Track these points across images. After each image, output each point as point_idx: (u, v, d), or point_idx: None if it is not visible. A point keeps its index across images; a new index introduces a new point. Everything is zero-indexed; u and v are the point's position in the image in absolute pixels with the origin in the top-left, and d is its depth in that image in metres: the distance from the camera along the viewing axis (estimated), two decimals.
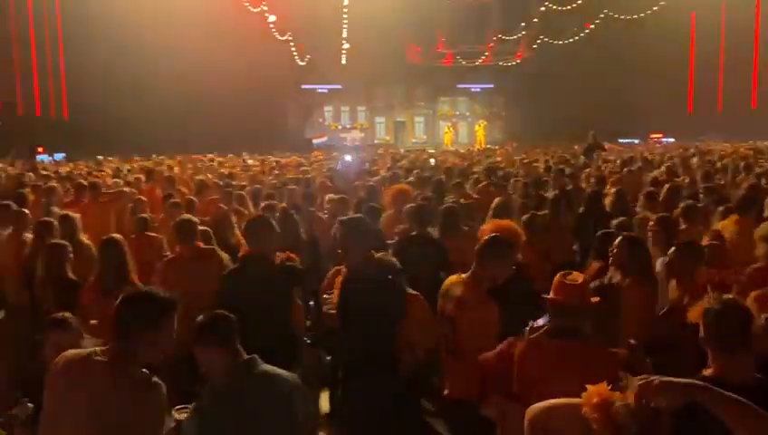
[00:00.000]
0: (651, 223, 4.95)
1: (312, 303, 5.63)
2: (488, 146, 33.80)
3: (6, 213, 6.53)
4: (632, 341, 3.38)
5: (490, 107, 44.59)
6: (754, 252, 4.33)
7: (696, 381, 2.00)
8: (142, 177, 10.78)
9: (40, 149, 25.75)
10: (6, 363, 3.90)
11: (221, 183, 9.64)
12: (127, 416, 2.35)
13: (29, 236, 5.90)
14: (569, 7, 34.64)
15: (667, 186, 7.34)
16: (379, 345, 3.77)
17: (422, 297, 3.97)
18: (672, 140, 30.87)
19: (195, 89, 32.54)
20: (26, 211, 6.34)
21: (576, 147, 20.75)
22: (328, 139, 40.05)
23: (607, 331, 3.48)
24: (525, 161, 14.32)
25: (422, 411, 4.47)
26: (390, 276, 3.90)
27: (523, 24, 39.25)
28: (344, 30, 37.35)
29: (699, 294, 3.01)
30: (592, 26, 36.28)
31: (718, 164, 12.05)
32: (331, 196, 7.71)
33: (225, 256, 4.92)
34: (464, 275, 3.78)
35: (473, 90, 44.49)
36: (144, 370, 2.46)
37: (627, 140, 29.97)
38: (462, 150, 26.88)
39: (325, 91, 43.11)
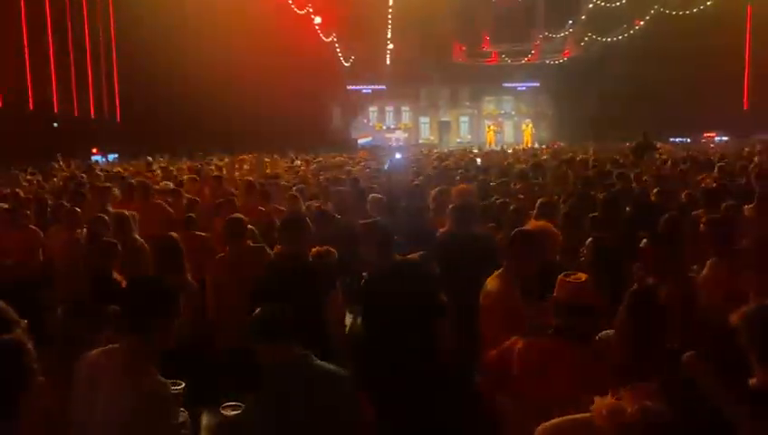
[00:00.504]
0: (702, 223, 4.81)
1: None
2: (535, 145, 33.37)
3: (61, 212, 6.81)
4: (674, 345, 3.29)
5: (536, 106, 44.00)
6: None
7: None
8: (196, 176, 11.08)
9: (94, 150, 26.65)
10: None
11: (266, 183, 9.79)
12: (141, 414, 2.34)
13: (82, 234, 6.12)
14: (617, 4, 33.90)
15: (712, 186, 7.13)
16: (410, 347, 3.74)
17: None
18: (726, 138, 29.87)
19: (241, 90, 33.08)
20: (79, 210, 6.55)
21: (627, 144, 20.30)
22: (373, 139, 40.22)
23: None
24: (578, 159, 14.06)
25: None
26: (420, 277, 3.90)
27: (570, 21, 38.59)
28: (389, 30, 37.45)
29: (743, 299, 2.93)
30: (642, 22, 35.41)
31: None
32: (374, 195, 7.74)
33: (272, 254, 5.00)
34: (500, 271, 3.82)
35: (518, 88, 44.00)
36: (160, 377, 2.43)
37: (678, 139, 29.15)
38: (509, 150, 26.58)
39: (369, 91, 43.29)
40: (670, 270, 3.81)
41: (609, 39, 36.50)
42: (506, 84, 43.52)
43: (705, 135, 31.84)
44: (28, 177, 13.92)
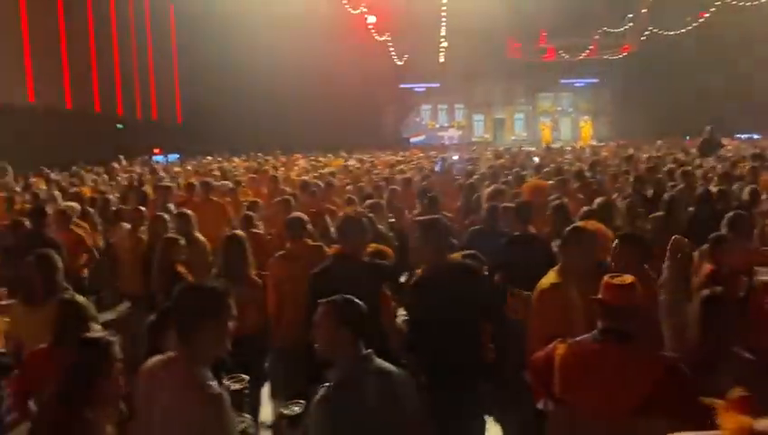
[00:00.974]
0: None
1: None
2: (593, 142, 32.62)
3: (126, 211, 7.08)
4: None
5: (595, 102, 43.00)
6: None
7: None
8: (255, 175, 11.34)
9: (156, 151, 27.54)
10: (127, 354, 4.17)
11: (321, 183, 9.90)
12: (195, 428, 2.33)
13: (146, 231, 6.35)
14: None
15: None
16: (461, 348, 3.72)
17: None
18: None
19: (297, 90, 33.59)
20: (143, 209, 6.79)
21: (688, 141, 19.63)
22: (425, 137, 40.14)
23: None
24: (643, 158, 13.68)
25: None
26: (472, 277, 3.87)
27: (630, 15, 37.56)
28: (443, 28, 37.26)
29: None
30: (707, 15, 34.10)
31: None
32: (430, 195, 7.72)
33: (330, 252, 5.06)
34: (556, 268, 3.80)
35: (576, 85, 43.10)
36: (212, 382, 2.42)
37: (746, 135, 27.96)
38: (567, 147, 26.07)
39: (423, 89, 43.18)
40: (734, 269, 3.70)
41: (671, 32, 35.31)
42: (563, 81, 42.69)
43: None
44: (94, 176, 14.48)
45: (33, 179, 13.48)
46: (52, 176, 14.19)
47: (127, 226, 6.79)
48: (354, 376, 2.68)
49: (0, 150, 16.38)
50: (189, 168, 17.68)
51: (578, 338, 2.89)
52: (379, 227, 6.00)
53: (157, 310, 3.27)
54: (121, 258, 6.57)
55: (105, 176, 14.91)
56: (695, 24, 34.69)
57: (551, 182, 8.45)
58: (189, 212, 6.35)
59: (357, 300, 2.81)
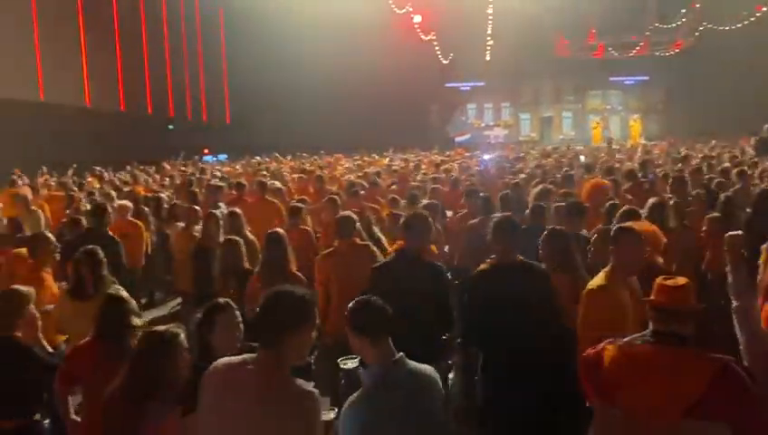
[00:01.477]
0: None
1: None
2: (644, 141, 31.82)
3: (180, 210, 7.28)
4: None
5: (645, 100, 41.96)
6: None
7: None
8: (303, 175, 11.52)
9: (205, 151, 28.17)
10: None
11: (366, 183, 9.97)
12: (286, 428, 2.32)
13: (198, 229, 6.50)
14: None
15: None
16: (527, 346, 3.69)
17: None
18: None
19: (341, 89, 33.81)
20: (198, 208, 6.97)
21: (744, 139, 18.99)
22: (470, 136, 39.86)
23: None
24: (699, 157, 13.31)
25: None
26: (538, 278, 3.84)
27: (683, 10, 36.51)
28: (489, 26, 36.94)
29: None
30: (764, 9, 32.85)
31: None
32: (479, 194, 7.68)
33: (377, 251, 5.11)
34: (607, 267, 3.73)
35: (626, 82, 42.13)
36: (298, 379, 2.41)
37: None
38: (616, 146, 25.52)
39: (468, 88, 42.91)
40: None
41: (727, 28, 34.15)
42: (613, 78, 41.78)
43: None
44: (146, 176, 14.89)
45: (88, 179, 13.96)
46: (106, 175, 14.68)
47: (180, 224, 6.97)
48: (384, 380, 2.64)
49: (57, 150, 17.02)
50: (238, 167, 18.01)
51: (628, 339, 2.84)
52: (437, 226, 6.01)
53: (205, 307, 3.31)
54: (174, 256, 6.74)
55: (157, 175, 15.31)
56: (751, 19, 33.47)
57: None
58: (239, 211, 6.49)
59: (381, 304, 2.77)
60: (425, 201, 7.25)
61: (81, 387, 3.53)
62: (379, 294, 3.87)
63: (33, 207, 8.66)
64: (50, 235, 5.34)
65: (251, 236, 6.18)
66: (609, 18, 37.59)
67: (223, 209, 7.06)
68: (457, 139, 38.75)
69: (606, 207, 5.65)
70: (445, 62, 39.73)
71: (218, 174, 14.78)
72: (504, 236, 3.97)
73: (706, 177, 8.89)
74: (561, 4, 35.41)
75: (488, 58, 39.86)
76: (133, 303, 3.60)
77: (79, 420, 3.52)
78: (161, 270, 8.74)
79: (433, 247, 4.89)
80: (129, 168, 17.32)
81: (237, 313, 3.27)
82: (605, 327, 3.34)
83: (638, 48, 39.82)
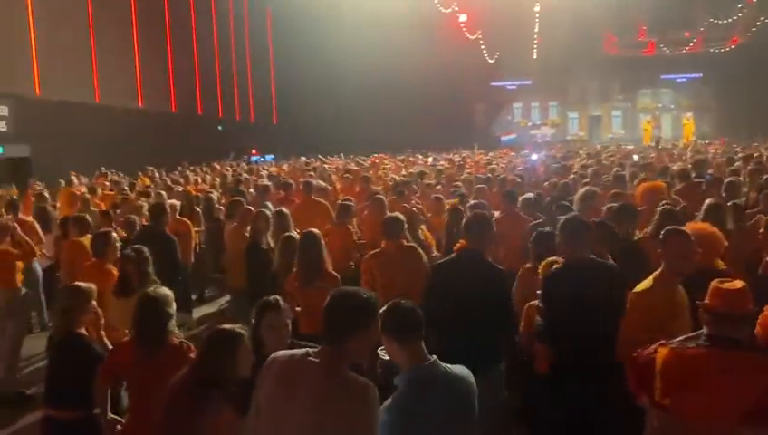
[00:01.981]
0: None
1: None
2: (696, 141, 30.91)
3: (233, 209, 7.43)
4: None
5: (698, 98, 40.71)
6: None
7: None
8: (350, 175, 11.62)
9: (253, 151, 28.64)
10: None
11: (414, 183, 9.98)
12: (345, 422, 2.33)
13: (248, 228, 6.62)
14: None
15: None
16: (596, 346, 3.62)
17: None
18: None
19: (387, 90, 33.90)
20: (250, 208, 7.09)
21: None
22: (516, 136, 39.44)
23: None
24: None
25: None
26: (609, 277, 3.78)
27: (739, 5, 35.30)
28: (536, 24, 36.49)
29: None
30: None
31: None
32: (527, 195, 7.60)
33: (423, 253, 5.11)
34: (656, 272, 3.64)
35: (678, 80, 40.97)
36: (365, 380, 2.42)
37: None
38: (668, 145, 24.87)
39: (514, 87, 42.46)
40: None
41: None
42: (664, 76, 40.70)
43: None
44: (196, 176, 15.23)
45: (140, 178, 14.37)
46: (157, 175, 15.08)
47: (232, 223, 7.11)
48: (417, 384, 2.60)
49: (112, 151, 17.56)
50: (285, 167, 18.26)
51: (681, 341, 2.78)
52: None
53: (257, 304, 3.37)
54: (225, 254, 6.89)
55: (208, 175, 15.63)
56: None
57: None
58: (286, 211, 6.58)
59: (412, 306, 2.73)
60: (472, 201, 7.21)
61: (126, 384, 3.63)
62: (436, 293, 3.85)
63: (91, 207, 8.96)
64: (114, 233, 5.51)
65: (297, 236, 6.26)
66: (659, 15, 36.64)
67: (270, 209, 7.17)
68: (503, 138, 38.38)
69: (662, 211, 5.45)
70: (491, 61, 39.41)
71: (265, 173, 15.02)
72: (575, 236, 3.93)
73: (765, 177, 8.57)
74: (610, 1, 34.68)
75: (535, 56, 39.36)
76: (172, 301, 3.60)
77: (114, 417, 3.62)
78: (211, 268, 8.94)
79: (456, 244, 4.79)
80: (180, 168, 17.76)
81: (287, 310, 3.32)
82: (642, 330, 3.30)
83: (691, 45, 38.70)
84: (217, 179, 14.26)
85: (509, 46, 37.83)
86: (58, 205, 10.75)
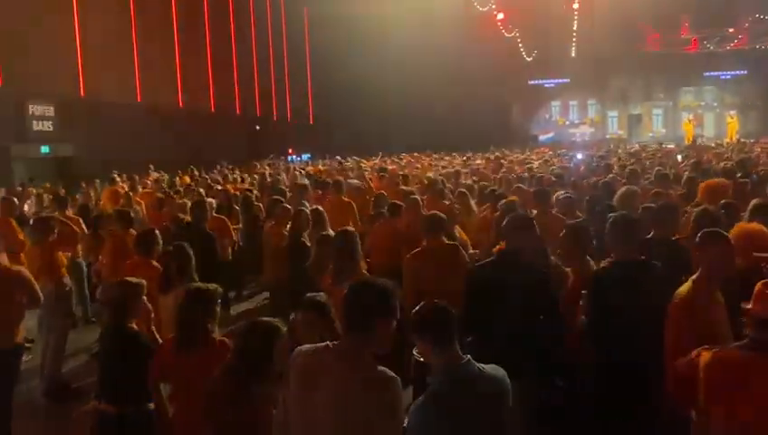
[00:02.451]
0: None
1: None
2: (741, 139, 30.08)
3: (272, 207, 7.52)
4: None
5: (742, 96, 39.56)
6: None
7: None
8: (385, 174, 11.67)
9: (290, 150, 28.93)
10: None
11: (448, 182, 9.94)
12: (370, 413, 2.32)
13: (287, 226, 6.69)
14: None
15: None
16: (642, 346, 3.56)
17: None
18: None
19: (423, 89, 33.85)
20: (288, 206, 7.17)
21: None
22: (555, 135, 38.97)
23: None
24: None
25: None
26: (657, 279, 3.70)
27: None
28: (575, 21, 35.99)
29: None
30: None
31: None
32: (561, 193, 7.51)
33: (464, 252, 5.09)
34: (694, 277, 3.50)
35: (722, 77, 39.88)
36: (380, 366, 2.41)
37: None
38: (711, 144, 24.27)
39: (552, 85, 41.93)
40: None
41: None
42: (708, 73, 39.67)
43: None
44: (234, 175, 15.43)
45: (182, 177, 14.62)
46: (197, 174, 15.33)
47: (271, 221, 7.20)
48: (450, 384, 2.58)
49: (153, 150, 17.92)
50: (321, 167, 18.38)
51: (724, 346, 2.73)
52: None
53: (302, 301, 3.40)
54: (265, 251, 6.97)
55: (246, 174, 15.81)
56: None
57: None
58: (322, 209, 6.62)
59: (444, 306, 2.71)
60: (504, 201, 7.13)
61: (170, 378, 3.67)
62: (476, 295, 3.81)
63: (135, 206, 9.17)
64: (157, 232, 5.62)
65: (331, 235, 6.30)
66: (702, 10, 35.74)
67: (308, 207, 7.23)
68: (541, 137, 37.98)
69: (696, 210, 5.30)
70: (528, 59, 39.02)
71: (300, 173, 15.15)
72: (624, 235, 3.86)
73: None
74: None
75: (574, 54, 38.81)
76: (218, 298, 3.63)
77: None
78: (249, 265, 9.05)
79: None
80: (219, 166, 18.03)
81: (331, 308, 3.35)
82: (689, 338, 3.17)
83: (735, 41, 37.65)
84: (256, 177, 14.42)
85: (547, 44, 37.40)
86: (101, 203, 11.03)
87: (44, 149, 16.10)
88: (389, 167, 15.23)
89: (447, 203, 7.73)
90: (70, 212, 8.38)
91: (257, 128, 28.54)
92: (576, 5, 34.61)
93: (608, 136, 39.24)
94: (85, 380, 5.97)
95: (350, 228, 5.19)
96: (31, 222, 7.32)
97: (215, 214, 8.38)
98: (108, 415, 3.73)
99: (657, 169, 9.89)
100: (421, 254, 5.05)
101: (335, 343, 2.50)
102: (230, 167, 17.83)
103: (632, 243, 3.86)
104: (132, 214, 7.35)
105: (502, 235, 4.48)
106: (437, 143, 27.18)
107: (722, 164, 10.83)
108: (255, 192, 10.74)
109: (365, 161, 19.35)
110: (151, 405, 3.65)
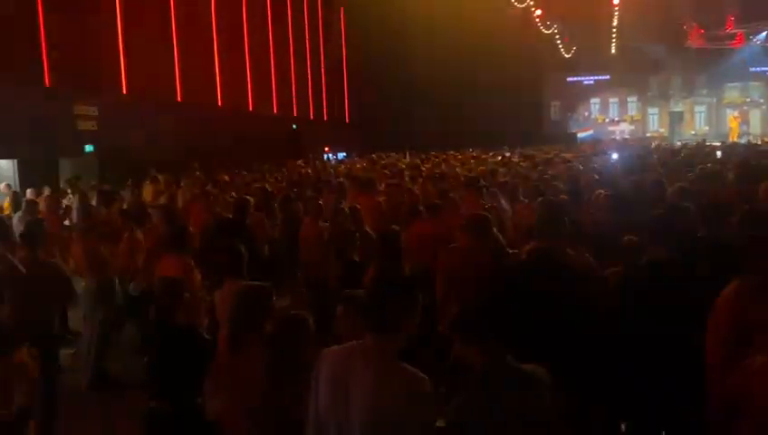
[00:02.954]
0: None
1: None
2: None
3: (309, 205, 7.59)
4: None
5: None
6: None
7: None
8: (420, 174, 11.66)
9: (326, 149, 29.12)
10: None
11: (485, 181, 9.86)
12: (402, 412, 2.30)
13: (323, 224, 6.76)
14: None
15: None
16: (683, 350, 3.46)
17: None
18: None
19: (460, 86, 33.70)
20: (322, 203, 7.24)
21: None
22: (594, 132, 38.39)
23: None
24: None
25: None
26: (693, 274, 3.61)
27: None
28: (615, 17, 35.30)
29: None
30: None
31: None
32: (600, 192, 7.38)
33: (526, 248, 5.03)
34: (741, 277, 3.38)
35: None
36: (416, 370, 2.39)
37: None
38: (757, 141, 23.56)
39: (592, 82, 41.28)
40: None
41: None
42: (754, 69, 38.51)
43: None
44: (272, 173, 15.60)
45: (221, 176, 14.82)
46: (235, 171, 15.54)
47: (308, 218, 7.27)
48: (488, 384, 2.55)
49: (194, 148, 18.22)
50: (359, 165, 18.44)
51: None
52: None
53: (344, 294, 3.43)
54: (302, 248, 7.04)
55: (284, 172, 15.96)
56: None
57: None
58: (359, 207, 6.66)
59: (485, 306, 2.69)
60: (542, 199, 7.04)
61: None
62: (508, 295, 3.76)
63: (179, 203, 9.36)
64: (190, 229, 5.73)
65: (369, 231, 6.33)
66: (749, 4, 34.69)
67: (345, 205, 7.29)
68: (580, 135, 37.45)
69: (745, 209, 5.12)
70: (567, 56, 38.48)
71: (332, 171, 15.24)
72: (660, 233, 3.77)
73: None
74: None
75: (613, 51, 38.11)
76: (272, 296, 3.66)
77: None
78: (286, 261, 9.12)
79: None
80: (256, 164, 18.25)
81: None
82: (728, 345, 3.10)
83: None
84: (294, 176, 14.55)
85: (586, 40, 36.83)
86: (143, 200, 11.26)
87: (89, 147, 16.50)
88: (425, 166, 15.21)
89: (485, 203, 7.68)
90: (115, 209, 8.59)
91: (294, 127, 28.78)
92: (616, 1, 33.92)
93: (648, 134, 38.47)
94: (129, 373, 6.08)
95: (395, 227, 5.18)
96: (76, 218, 7.53)
97: (253, 211, 8.47)
98: (159, 411, 3.76)
99: (699, 167, 9.63)
100: (457, 250, 5.02)
101: (359, 342, 2.49)
102: (267, 165, 18.03)
103: (667, 242, 3.74)
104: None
105: (535, 233, 4.43)
106: (473, 142, 27.02)
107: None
108: (293, 190, 10.85)
109: (402, 160, 19.35)
110: (199, 400, 3.69)
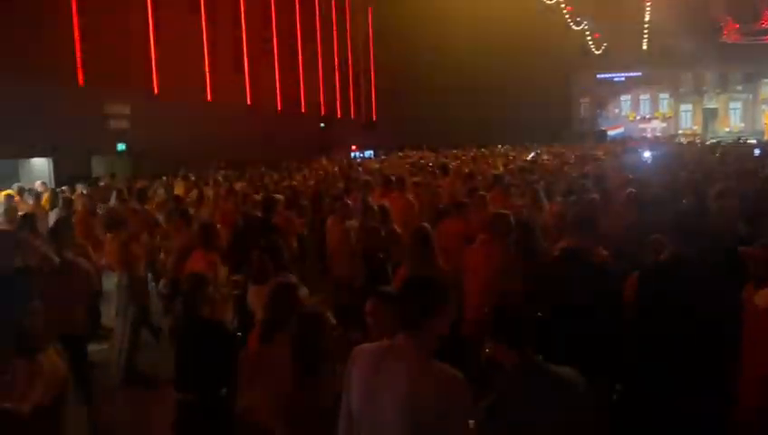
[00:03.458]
0: None
1: None
2: None
3: (335, 204, 7.62)
4: None
5: None
6: None
7: None
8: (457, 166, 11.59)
9: (353, 147, 29.21)
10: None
11: (514, 179, 9.79)
12: (439, 411, 2.28)
13: (351, 223, 6.77)
14: None
15: None
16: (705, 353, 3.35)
17: None
18: None
19: (488, 83, 33.48)
20: (348, 202, 7.25)
21: None
22: (624, 130, 37.85)
23: None
24: None
25: None
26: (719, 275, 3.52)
27: None
28: (647, 13, 34.74)
29: None
30: None
31: None
32: (632, 190, 7.26)
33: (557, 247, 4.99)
34: None
35: None
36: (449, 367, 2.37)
37: None
38: None
39: (623, 79, 40.67)
40: None
41: None
42: None
43: None
44: (300, 172, 15.68)
45: (247, 175, 14.95)
46: (264, 169, 15.66)
47: (335, 216, 7.29)
48: (519, 386, 2.52)
49: (223, 147, 18.43)
50: (386, 163, 18.46)
51: None
52: None
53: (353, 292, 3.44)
54: (329, 245, 7.07)
55: (311, 170, 16.02)
56: None
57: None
58: (386, 205, 6.65)
59: (520, 306, 2.66)
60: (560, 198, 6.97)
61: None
62: (538, 293, 3.72)
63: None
64: (218, 226, 5.79)
65: (396, 229, 6.31)
66: None
67: (371, 203, 7.28)
68: (610, 133, 36.96)
69: None
70: (597, 52, 37.99)
71: (361, 169, 15.26)
72: (682, 232, 3.69)
73: None
74: None
75: (645, 47, 37.49)
76: (300, 291, 3.70)
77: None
78: (314, 259, 9.18)
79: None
80: (284, 164, 18.38)
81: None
82: (760, 345, 3.03)
83: None
84: (321, 173, 14.61)
85: (617, 37, 36.31)
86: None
87: (121, 146, 16.80)
88: (453, 163, 15.14)
89: (517, 201, 7.62)
90: (149, 206, 8.73)
91: (322, 126, 28.93)
92: None
93: (680, 131, 37.79)
94: (161, 368, 6.15)
95: (425, 225, 5.15)
96: (109, 215, 7.65)
97: (281, 209, 8.53)
98: (187, 404, 3.79)
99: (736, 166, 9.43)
100: (483, 248, 4.99)
101: (393, 341, 2.46)
102: (295, 164, 18.15)
103: (687, 242, 3.65)
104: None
105: (566, 232, 4.38)
106: (502, 139, 26.86)
107: None
108: (321, 188, 10.88)
109: (426, 155, 19.31)
110: (223, 391, 3.73)
